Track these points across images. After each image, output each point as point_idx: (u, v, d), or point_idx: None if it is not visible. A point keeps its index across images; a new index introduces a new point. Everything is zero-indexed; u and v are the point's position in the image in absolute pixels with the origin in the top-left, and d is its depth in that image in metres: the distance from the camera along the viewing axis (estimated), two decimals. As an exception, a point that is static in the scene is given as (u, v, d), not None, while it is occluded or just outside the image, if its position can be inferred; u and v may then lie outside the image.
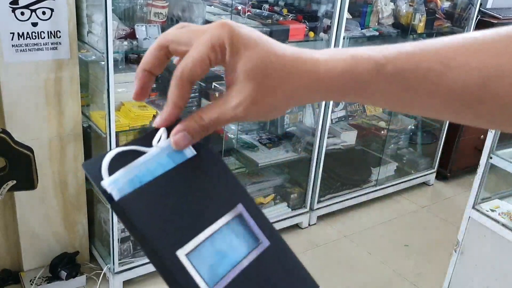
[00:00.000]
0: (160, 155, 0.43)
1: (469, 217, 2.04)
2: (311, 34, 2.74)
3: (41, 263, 2.41)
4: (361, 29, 3.02)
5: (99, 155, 0.42)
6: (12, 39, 2.01)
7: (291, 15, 2.76)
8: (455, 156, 3.77)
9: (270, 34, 2.59)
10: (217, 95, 2.53)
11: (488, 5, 3.50)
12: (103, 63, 2.09)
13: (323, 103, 2.89)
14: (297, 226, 3.08)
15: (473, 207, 2.03)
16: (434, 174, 3.81)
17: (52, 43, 2.11)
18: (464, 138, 3.70)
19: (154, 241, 0.39)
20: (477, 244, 2.03)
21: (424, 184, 3.80)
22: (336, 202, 3.23)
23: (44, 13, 2.05)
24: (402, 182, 3.61)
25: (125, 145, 0.43)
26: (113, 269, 2.40)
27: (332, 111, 3.05)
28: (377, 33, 3.08)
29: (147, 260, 2.26)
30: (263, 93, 0.42)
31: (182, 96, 0.44)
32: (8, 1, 1.96)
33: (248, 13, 2.68)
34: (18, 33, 2.02)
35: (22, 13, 2.01)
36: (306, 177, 3.05)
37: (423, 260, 2.91)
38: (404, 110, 0.47)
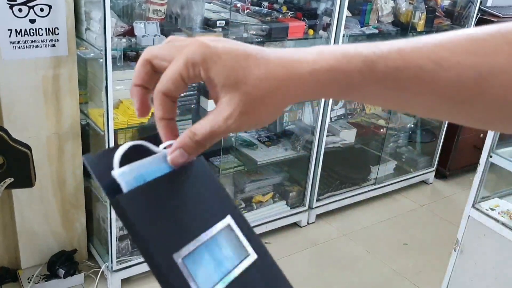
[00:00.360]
0: (166, 157, 0.44)
1: (469, 216, 2.03)
2: (311, 32, 2.73)
3: (39, 261, 2.40)
4: (361, 27, 3.01)
5: (103, 150, 0.42)
6: (9, 36, 2.00)
7: (290, 12, 2.75)
8: (455, 154, 3.76)
9: (270, 31, 2.58)
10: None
11: (488, 3, 3.49)
12: (101, 60, 2.08)
13: (322, 101, 2.88)
14: (296, 225, 3.07)
15: (473, 206, 2.03)
16: (433, 173, 3.81)
17: (50, 40, 2.10)
18: (464, 137, 3.69)
19: (151, 242, 0.38)
20: (477, 243, 2.02)
21: (423, 182, 3.79)
22: (335, 201, 3.22)
23: (42, 9, 2.04)
24: (401, 181, 3.61)
25: (137, 140, 0.44)
26: (111, 267, 2.39)
27: (332, 109, 3.04)
28: (376, 31, 3.07)
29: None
30: (251, 103, 0.41)
31: (165, 109, 0.44)
32: (6, -2, 1.95)
33: (247, 10, 2.67)
34: (16, 30, 2.01)
35: (20, 10, 1.99)
36: (305, 175, 3.04)
37: (422, 258, 2.91)
38: (395, 108, 0.47)
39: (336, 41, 2.71)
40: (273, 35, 2.60)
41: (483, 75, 0.40)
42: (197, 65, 0.41)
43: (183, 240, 0.40)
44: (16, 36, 2.02)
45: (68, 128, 2.27)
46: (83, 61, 2.36)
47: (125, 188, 0.40)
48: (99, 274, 2.43)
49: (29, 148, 1.93)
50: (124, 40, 2.17)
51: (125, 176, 0.40)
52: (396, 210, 3.40)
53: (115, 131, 2.19)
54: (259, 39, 2.61)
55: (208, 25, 2.40)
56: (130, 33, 2.19)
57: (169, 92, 0.43)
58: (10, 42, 2.01)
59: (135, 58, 2.42)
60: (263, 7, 2.79)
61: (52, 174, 2.30)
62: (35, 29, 2.05)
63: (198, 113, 2.55)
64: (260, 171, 3.02)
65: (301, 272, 2.70)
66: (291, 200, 3.05)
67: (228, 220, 0.43)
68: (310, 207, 3.10)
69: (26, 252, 2.37)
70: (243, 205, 2.89)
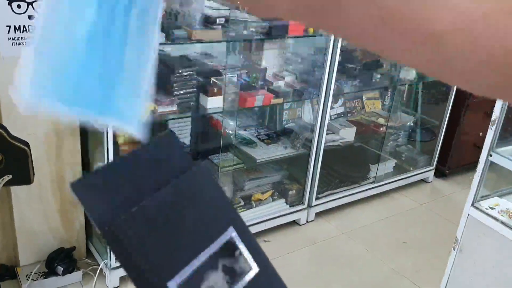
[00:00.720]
0: None
1: (468, 214, 2.03)
2: (310, 29, 2.72)
3: (37, 259, 2.39)
4: (361, 25, 2.99)
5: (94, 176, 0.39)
6: (8, 32, 2.00)
7: (290, 10, 2.74)
8: (454, 153, 3.76)
9: (269, 29, 2.57)
10: (215, 90, 2.51)
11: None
12: (100, 57, 2.07)
13: (322, 99, 2.87)
14: (295, 223, 3.07)
15: (472, 205, 2.02)
16: (433, 171, 3.80)
17: (49, 37, 2.09)
18: (463, 136, 3.69)
19: (147, 273, 0.36)
20: (476, 242, 2.02)
21: (423, 181, 3.79)
22: (335, 199, 3.22)
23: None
24: (400, 179, 3.60)
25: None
26: (110, 265, 2.38)
27: (331, 108, 3.04)
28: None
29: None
30: None
31: None
32: (5, -6, 1.94)
33: (248, 7, 2.65)
34: (15, 26, 2.01)
35: (19, 6, 1.99)
36: (305, 173, 3.04)
37: (421, 257, 2.91)
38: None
39: (336, 39, 2.71)
40: (273, 33, 2.60)
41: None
42: None
43: (179, 265, 0.37)
44: (15, 32, 2.01)
45: (67, 125, 2.26)
46: (82, 58, 2.34)
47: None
48: (98, 271, 2.42)
49: (27, 145, 1.93)
50: (123, 37, 2.16)
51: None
52: (396, 209, 3.40)
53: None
54: (259, 37, 2.61)
55: (208, 22, 2.39)
56: (129, 30, 2.18)
57: None
58: (9, 39, 2.01)
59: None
60: (263, 4, 2.78)
61: (50, 171, 2.29)
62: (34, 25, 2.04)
63: (197, 111, 2.55)
64: (259, 169, 3.01)
65: (300, 270, 2.70)
66: (291, 198, 3.04)
67: (230, 232, 0.41)
68: (310, 206, 3.10)
69: (24, 249, 2.36)
70: (242, 203, 2.89)
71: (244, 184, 2.93)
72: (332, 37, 2.71)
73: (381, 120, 3.48)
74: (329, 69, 2.80)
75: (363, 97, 3.48)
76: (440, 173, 3.85)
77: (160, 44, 2.33)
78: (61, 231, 2.43)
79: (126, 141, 2.37)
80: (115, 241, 0.36)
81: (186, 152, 0.43)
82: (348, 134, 3.24)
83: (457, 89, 3.54)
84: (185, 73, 2.42)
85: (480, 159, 2.01)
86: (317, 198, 3.12)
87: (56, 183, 2.33)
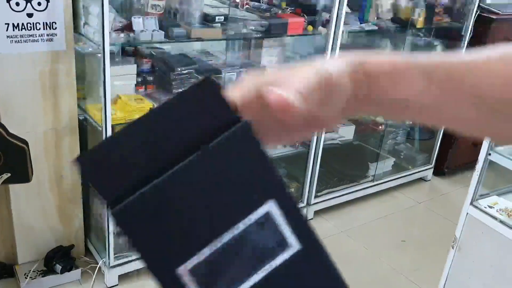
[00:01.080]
0: None
1: (467, 213, 2.03)
2: (310, 28, 2.72)
3: (35, 257, 2.39)
4: (360, 23, 2.99)
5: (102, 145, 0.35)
6: (7, 30, 1.99)
7: (289, 8, 2.74)
8: (453, 152, 3.76)
9: (269, 27, 2.57)
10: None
11: (488, 0, 3.47)
12: (99, 55, 2.07)
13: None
14: (294, 221, 3.06)
15: (471, 204, 2.02)
16: (432, 170, 3.80)
17: (47, 35, 2.08)
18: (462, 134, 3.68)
19: (151, 261, 0.33)
20: (475, 241, 2.02)
21: (422, 179, 3.79)
22: (333, 197, 3.22)
23: (39, 3, 2.02)
24: (399, 178, 3.60)
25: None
26: (109, 263, 2.38)
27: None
28: (376, 28, 3.06)
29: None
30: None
31: None
32: (3, -8, 1.94)
33: (246, 5, 2.65)
34: (13, 24, 2.00)
35: (17, 4, 1.98)
36: (304, 172, 3.03)
37: (420, 256, 2.91)
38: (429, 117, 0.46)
39: (335, 38, 2.70)
40: (272, 31, 2.59)
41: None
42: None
43: (193, 249, 0.34)
44: (14, 30, 2.00)
45: (66, 123, 2.25)
46: (81, 56, 2.34)
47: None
48: (96, 270, 2.42)
49: (26, 143, 1.93)
50: (122, 35, 2.16)
51: None
52: (394, 207, 3.40)
53: (113, 126, 2.18)
54: (258, 35, 2.60)
55: (207, 20, 2.38)
56: (128, 28, 2.18)
57: None
58: (7, 36, 2.00)
59: (133, 54, 2.41)
60: (262, 2, 2.78)
61: (49, 169, 2.29)
62: (33, 23, 2.04)
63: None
64: (258, 167, 3.00)
65: (299, 269, 2.69)
66: (289, 196, 3.04)
67: (269, 207, 0.35)
68: (308, 204, 3.10)
69: (23, 247, 2.36)
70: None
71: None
72: (331, 35, 2.70)
73: (380, 119, 3.47)
74: (328, 67, 2.79)
75: (362, 95, 3.47)
76: (438, 172, 3.85)
77: (159, 42, 2.32)
78: (59, 229, 2.42)
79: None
80: (118, 226, 0.33)
81: (226, 106, 0.34)
82: (347, 133, 3.24)
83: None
84: (184, 71, 2.42)
85: (479, 158, 2.01)
86: (316, 197, 3.11)
87: (55, 181, 2.32)
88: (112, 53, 2.11)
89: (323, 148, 2.99)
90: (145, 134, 0.34)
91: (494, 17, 3.42)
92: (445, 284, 2.13)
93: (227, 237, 0.34)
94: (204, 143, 0.34)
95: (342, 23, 2.68)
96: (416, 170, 3.71)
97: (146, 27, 2.19)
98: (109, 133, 2.14)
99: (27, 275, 2.30)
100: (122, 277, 2.44)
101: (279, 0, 2.85)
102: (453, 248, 2.08)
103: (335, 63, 0.40)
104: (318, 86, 0.37)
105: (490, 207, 2.02)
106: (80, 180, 2.40)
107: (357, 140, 3.40)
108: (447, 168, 3.83)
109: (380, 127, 3.44)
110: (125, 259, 2.41)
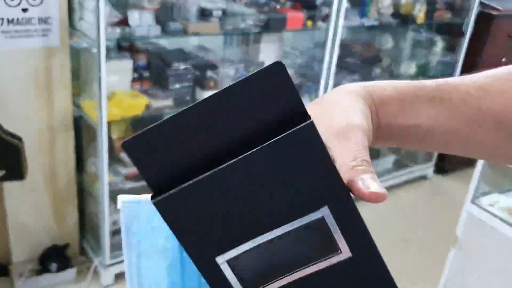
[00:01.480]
0: None
1: (468, 212, 2.00)
2: (309, 23, 2.68)
3: (30, 256, 2.36)
4: (361, 18, 2.96)
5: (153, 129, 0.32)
6: (1, 25, 1.97)
7: (288, 2, 2.70)
8: (454, 149, 3.73)
9: (267, 22, 2.53)
10: (212, 84, 2.47)
11: (489, -4, 3.45)
12: (94, 50, 2.04)
13: (320, 94, 2.84)
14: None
15: (472, 202, 2.00)
16: (433, 168, 3.77)
17: (42, 30, 2.06)
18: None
19: (189, 248, 0.33)
20: (476, 239, 2.00)
21: (423, 177, 3.76)
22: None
23: (33, -2, 1.99)
24: (400, 176, 3.57)
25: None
26: (104, 262, 2.35)
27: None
28: (376, 23, 3.03)
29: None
30: None
31: None
32: (-4, -14, 1.90)
33: (245, 0, 2.62)
34: (8, 19, 1.97)
35: (11, -2, 1.95)
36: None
37: (420, 254, 2.89)
38: (439, 138, 0.46)
39: (335, 33, 2.67)
40: (270, 26, 2.56)
41: None
42: None
43: (235, 241, 0.33)
44: (8, 25, 1.98)
45: (60, 120, 2.22)
46: (76, 52, 2.31)
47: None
48: (92, 269, 2.39)
49: (20, 139, 1.90)
50: (118, 30, 2.13)
51: None
52: (395, 206, 3.37)
53: (109, 123, 2.15)
54: (257, 30, 2.57)
55: (204, 15, 2.35)
56: (124, 22, 2.15)
57: None
58: (2, 32, 1.98)
59: (129, 49, 2.37)
60: (260, -3, 2.74)
61: (44, 167, 2.26)
62: (27, 18, 2.01)
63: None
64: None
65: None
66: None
67: (323, 212, 0.33)
68: (307, 202, 3.07)
69: (17, 246, 2.33)
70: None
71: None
72: (331, 31, 2.67)
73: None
74: (328, 63, 2.76)
75: (362, 92, 3.45)
76: (440, 170, 3.82)
77: (155, 37, 2.29)
78: (54, 228, 2.39)
79: (121, 137, 2.34)
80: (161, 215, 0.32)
81: (296, 95, 0.31)
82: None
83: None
84: (181, 67, 2.38)
85: (480, 156, 1.98)
86: (315, 195, 3.08)
87: (49, 179, 2.30)
88: (107, 49, 2.08)
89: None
90: (200, 119, 0.31)
91: (495, 13, 3.39)
92: (446, 282, 2.11)
93: (272, 235, 0.33)
94: (265, 133, 0.31)
95: (342, 18, 2.64)
96: (417, 168, 3.68)
97: (142, 22, 2.16)
98: (105, 130, 2.11)
99: (22, 274, 2.28)
100: (118, 276, 2.41)
101: (278, -6, 2.82)
102: (454, 247, 2.05)
103: (361, 107, 0.41)
104: (367, 144, 0.40)
105: (491, 205, 1.99)
106: (74, 178, 2.38)
107: (357, 137, 3.36)
108: (448, 166, 3.80)
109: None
110: (121, 258, 2.38)
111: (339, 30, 2.67)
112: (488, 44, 3.42)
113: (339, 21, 2.65)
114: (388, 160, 3.57)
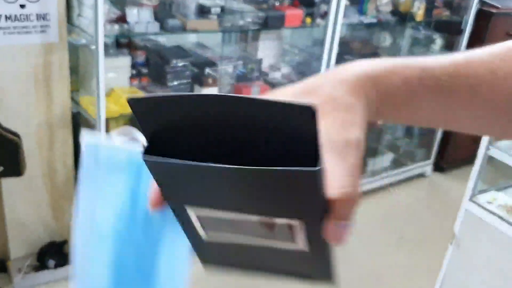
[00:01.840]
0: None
1: (466, 209, 2.01)
2: (308, 20, 2.68)
3: (28, 252, 2.37)
4: (359, 16, 2.96)
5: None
6: (-1, 21, 1.96)
7: (287, 0, 2.70)
8: (453, 147, 3.73)
9: (266, 19, 2.53)
10: (210, 81, 2.47)
11: (488, -6, 3.45)
12: (93, 47, 2.04)
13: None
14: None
15: (470, 199, 2.00)
16: (431, 165, 3.78)
17: (41, 26, 2.05)
18: (462, 129, 3.66)
19: (165, 193, 0.37)
20: (474, 237, 2.00)
21: (421, 175, 3.76)
22: (331, 193, 3.19)
23: (32, -6, 1.99)
24: (398, 173, 3.57)
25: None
26: (103, 259, 2.35)
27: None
28: (375, 21, 3.03)
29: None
30: None
31: None
32: (-6, -18, 1.90)
33: (244, -3, 2.61)
34: (6, 15, 1.97)
35: (9, -6, 1.95)
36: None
37: (418, 252, 2.89)
38: (444, 123, 0.46)
39: (334, 30, 2.67)
40: (269, 23, 2.56)
41: None
42: None
43: (208, 205, 0.35)
44: (6, 21, 1.98)
45: (59, 117, 2.22)
46: (74, 48, 2.31)
47: None
48: (90, 265, 2.39)
49: (18, 136, 1.90)
50: (116, 26, 2.12)
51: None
52: (393, 203, 3.37)
53: (107, 119, 2.15)
54: (255, 27, 2.57)
55: (203, 12, 2.35)
56: (122, 19, 2.15)
57: None
58: (0, 28, 1.97)
59: (128, 45, 2.37)
60: (259, -6, 2.74)
61: (42, 163, 2.26)
62: (26, 14, 2.01)
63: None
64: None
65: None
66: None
67: (293, 222, 0.35)
68: (306, 199, 3.07)
69: (15, 242, 2.34)
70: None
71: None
72: (330, 28, 2.66)
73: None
74: (327, 61, 2.76)
75: (361, 89, 3.45)
76: (438, 167, 3.82)
77: (154, 34, 2.29)
78: (52, 224, 2.40)
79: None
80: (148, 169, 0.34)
81: (317, 143, 0.31)
82: (345, 127, 3.20)
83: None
84: (180, 64, 2.38)
85: (478, 153, 1.99)
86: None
87: (48, 175, 2.30)
88: (106, 45, 2.08)
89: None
90: (214, 109, 0.31)
91: (494, 11, 3.39)
92: (443, 280, 2.11)
93: (243, 217, 0.35)
94: (270, 153, 0.32)
95: (341, 15, 2.64)
96: (415, 166, 3.69)
97: (140, 18, 2.16)
98: (103, 126, 2.11)
99: (20, 270, 2.28)
100: (117, 273, 2.41)
101: (276, -9, 2.81)
102: (451, 244, 2.06)
103: (360, 110, 0.41)
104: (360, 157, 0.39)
105: (489, 203, 2.00)
106: (73, 174, 2.37)
107: (355, 135, 3.36)
108: (446, 164, 3.80)
109: (378, 121, 3.41)
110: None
111: (338, 28, 2.67)
112: (487, 41, 3.37)
113: (337, 19, 2.64)
114: (386, 158, 3.57)
